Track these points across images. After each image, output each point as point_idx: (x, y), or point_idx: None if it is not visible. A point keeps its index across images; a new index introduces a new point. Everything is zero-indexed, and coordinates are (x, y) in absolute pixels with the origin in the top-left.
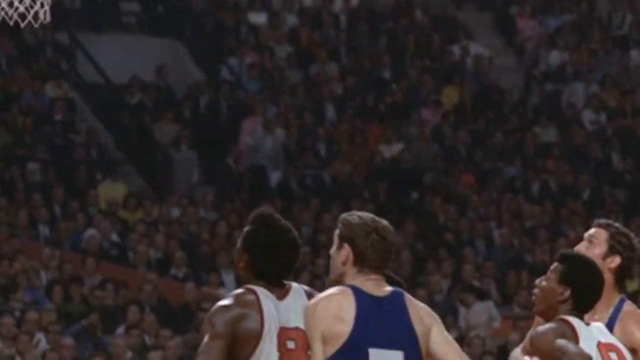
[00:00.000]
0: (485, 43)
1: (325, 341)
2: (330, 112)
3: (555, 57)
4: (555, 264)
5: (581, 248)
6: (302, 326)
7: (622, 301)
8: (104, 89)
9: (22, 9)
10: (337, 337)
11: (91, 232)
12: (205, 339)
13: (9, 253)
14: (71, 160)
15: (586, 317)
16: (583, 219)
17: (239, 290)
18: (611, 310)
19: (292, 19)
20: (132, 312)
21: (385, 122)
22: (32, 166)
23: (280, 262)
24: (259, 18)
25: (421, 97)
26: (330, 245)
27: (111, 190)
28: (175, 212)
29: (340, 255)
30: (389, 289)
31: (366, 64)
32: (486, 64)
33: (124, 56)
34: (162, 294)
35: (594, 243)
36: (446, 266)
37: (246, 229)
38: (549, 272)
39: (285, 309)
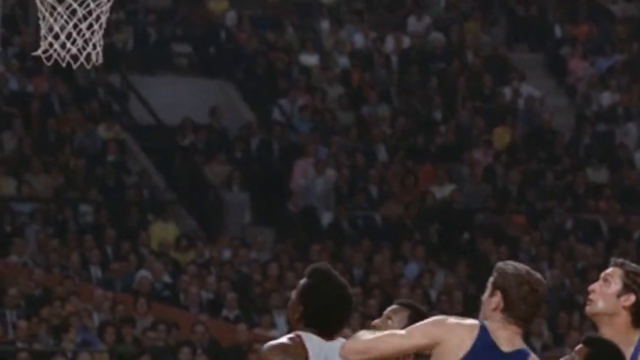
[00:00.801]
0: (536, 84)
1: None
2: (382, 153)
3: (606, 98)
4: (580, 346)
5: (596, 287)
6: None
7: None
8: (155, 130)
9: (74, 50)
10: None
11: (143, 273)
12: None
13: (62, 294)
14: (123, 202)
15: None
16: (635, 260)
17: (289, 335)
18: (632, 349)
19: (343, 60)
20: (184, 353)
21: (436, 163)
22: (84, 208)
23: (336, 317)
24: (310, 59)
25: (472, 137)
26: (382, 286)
27: (163, 231)
28: (227, 253)
29: (491, 302)
30: (519, 346)
31: (417, 105)
32: (537, 105)
33: (176, 98)
34: (214, 335)
35: (608, 281)
36: None
37: (303, 282)
38: (573, 353)
39: (331, 349)
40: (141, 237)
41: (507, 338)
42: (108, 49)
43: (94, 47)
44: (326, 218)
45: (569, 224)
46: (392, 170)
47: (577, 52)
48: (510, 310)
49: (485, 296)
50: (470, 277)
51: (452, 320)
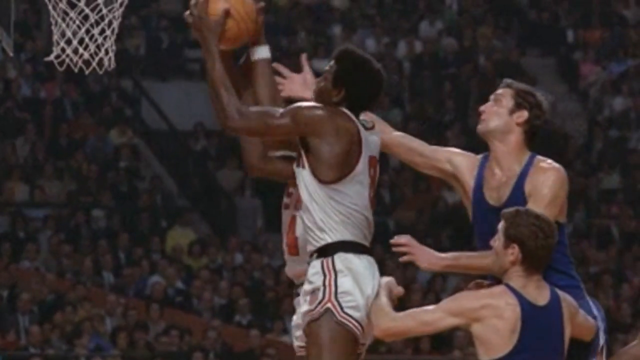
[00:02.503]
0: (548, 89)
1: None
2: (394, 158)
3: (619, 103)
4: (331, 63)
5: (487, 106)
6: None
7: (533, 157)
8: (168, 135)
9: (86, 55)
10: (496, 347)
11: (156, 278)
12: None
13: (74, 300)
14: (136, 207)
15: (497, 171)
16: None
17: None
18: (522, 166)
19: None
20: (197, 358)
21: None
22: (96, 213)
23: (375, 93)
24: (322, 64)
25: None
26: None
27: (181, 237)
28: (239, 259)
29: (508, 254)
30: (548, 293)
31: (429, 110)
32: (550, 110)
33: (188, 103)
34: (227, 340)
35: (499, 100)
36: None
37: (336, 66)
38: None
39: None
40: (154, 243)
41: (537, 291)
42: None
43: (107, 52)
44: None
45: (581, 229)
46: (404, 176)
47: (589, 57)
48: (530, 261)
49: (499, 246)
50: None
51: (483, 292)
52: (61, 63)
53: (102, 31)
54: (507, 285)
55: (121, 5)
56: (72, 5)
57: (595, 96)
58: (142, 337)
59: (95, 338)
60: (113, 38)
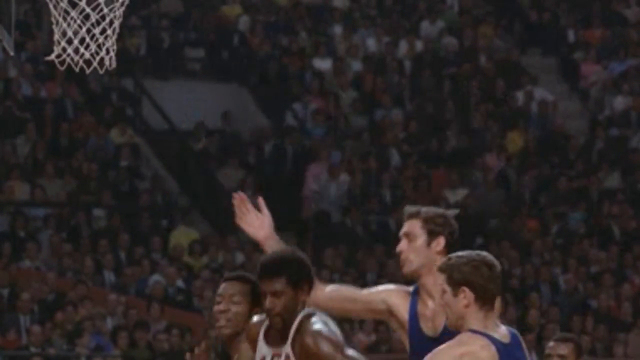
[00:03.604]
0: (549, 88)
1: None
2: (395, 157)
3: (620, 102)
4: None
5: (403, 247)
6: None
7: None
8: (168, 135)
9: (87, 55)
10: None
11: (156, 277)
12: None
13: (75, 299)
14: (136, 206)
15: (430, 302)
16: None
17: None
18: None
19: (356, 65)
20: None
21: (449, 168)
22: (97, 212)
23: None
24: (323, 64)
25: (485, 142)
26: None
27: (185, 236)
28: (240, 258)
29: (460, 300)
30: (505, 330)
31: (430, 109)
32: (550, 109)
33: (189, 102)
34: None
35: (411, 236)
36: (511, 311)
37: None
38: None
39: None
40: (155, 242)
41: (497, 329)
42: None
43: (107, 51)
44: (339, 222)
45: (582, 229)
46: (405, 175)
47: (590, 57)
48: (483, 298)
49: (448, 298)
50: None
51: (454, 344)
52: (62, 62)
53: (103, 31)
54: (471, 330)
55: (122, 4)
56: (73, 5)
57: (596, 96)
58: (142, 336)
59: (96, 337)
60: (114, 37)
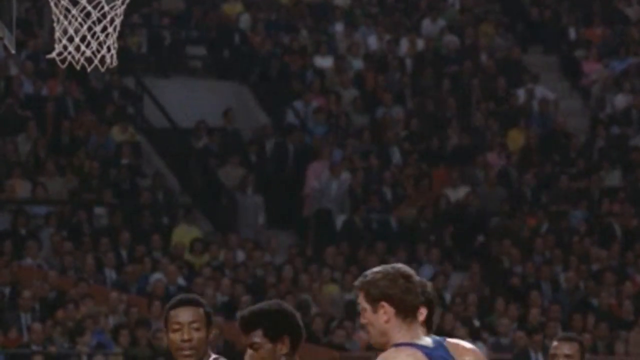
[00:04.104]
0: (550, 86)
1: None
2: (396, 155)
3: (620, 100)
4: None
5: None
6: None
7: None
8: (170, 133)
9: (88, 53)
10: None
11: (157, 276)
12: None
13: (76, 297)
14: (137, 204)
15: None
16: None
17: None
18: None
19: (357, 63)
20: None
21: (450, 166)
22: (98, 210)
23: None
24: (324, 62)
25: (486, 140)
26: None
27: (187, 234)
28: (241, 256)
29: (380, 316)
30: (429, 339)
31: (431, 108)
32: (552, 107)
33: (190, 100)
34: (229, 337)
35: (362, 309)
36: (512, 309)
37: None
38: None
39: None
40: (156, 240)
41: (421, 337)
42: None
43: (108, 49)
44: (340, 220)
45: (583, 227)
46: (407, 173)
47: (591, 55)
48: (403, 311)
49: (369, 316)
50: (485, 279)
51: None
52: (63, 60)
53: (104, 29)
54: (395, 345)
55: (123, 2)
56: (74, 3)
57: (597, 94)
58: (143, 334)
59: (97, 335)
60: (115, 35)
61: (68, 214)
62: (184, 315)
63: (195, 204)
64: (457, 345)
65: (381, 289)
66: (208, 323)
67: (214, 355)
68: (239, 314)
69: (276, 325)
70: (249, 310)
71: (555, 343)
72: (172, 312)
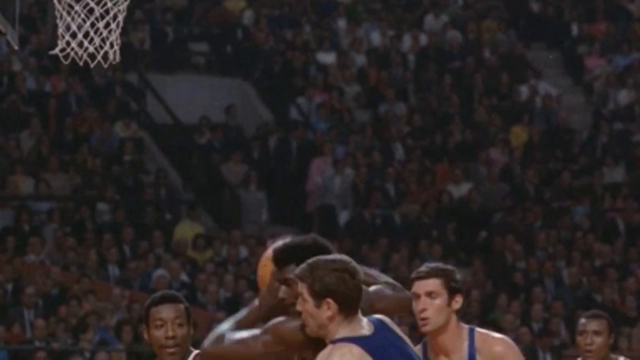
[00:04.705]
0: (553, 82)
1: None
2: (399, 151)
3: (623, 96)
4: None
5: (426, 305)
6: None
7: (471, 332)
8: (173, 129)
9: (91, 49)
10: None
11: (160, 272)
12: None
13: (79, 293)
14: (140, 201)
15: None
16: None
17: None
18: (466, 343)
19: (360, 59)
20: None
21: (453, 162)
22: (101, 206)
23: None
24: (327, 58)
25: (489, 136)
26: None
27: (189, 230)
28: (244, 252)
29: (322, 313)
30: (370, 322)
31: (434, 104)
32: (555, 103)
33: (193, 96)
34: None
35: (434, 294)
36: (515, 306)
37: None
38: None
39: None
40: (158, 236)
41: (360, 325)
42: (125, 47)
43: (111, 45)
44: (344, 217)
45: (586, 223)
46: (409, 169)
47: (594, 51)
48: (348, 307)
49: (309, 308)
50: (488, 275)
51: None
52: (66, 56)
53: (107, 24)
54: (332, 341)
55: None
56: None
57: (600, 89)
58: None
59: (100, 331)
60: (118, 31)
61: (71, 210)
62: (167, 311)
63: (198, 200)
64: (487, 335)
65: (328, 286)
66: (189, 319)
67: (196, 351)
68: (273, 248)
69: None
70: (285, 244)
71: (583, 320)
72: (154, 309)
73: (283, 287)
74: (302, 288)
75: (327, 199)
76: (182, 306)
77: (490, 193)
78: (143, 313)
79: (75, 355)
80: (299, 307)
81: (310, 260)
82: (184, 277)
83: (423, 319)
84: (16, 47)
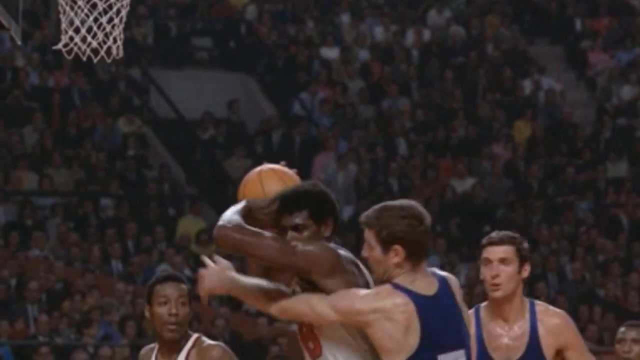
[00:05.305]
0: (556, 77)
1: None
2: (402, 147)
3: (627, 91)
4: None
5: (499, 271)
6: None
7: (532, 305)
8: (176, 124)
9: (94, 44)
10: (394, 351)
11: (164, 267)
12: None
13: (83, 288)
14: (144, 196)
15: (503, 327)
16: None
17: None
18: (528, 316)
19: (363, 54)
20: None
21: (457, 157)
22: (105, 202)
23: None
24: (331, 53)
25: (493, 131)
26: None
27: (192, 225)
28: None
29: (391, 258)
30: (435, 280)
31: (437, 99)
32: (558, 98)
33: (196, 91)
34: (235, 328)
35: (507, 261)
36: None
37: None
38: None
39: None
40: (162, 231)
41: (426, 281)
42: (129, 42)
43: (115, 41)
44: (347, 212)
45: (589, 218)
46: (413, 164)
47: (597, 46)
48: (416, 255)
49: (376, 255)
50: None
51: (368, 294)
52: (69, 52)
53: (111, 20)
54: (394, 284)
55: None
56: None
57: (603, 85)
58: (150, 325)
59: (103, 326)
60: (121, 26)
61: (74, 205)
62: (171, 290)
63: (202, 195)
64: (547, 308)
65: (396, 233)
66: (191, 301)
67: (195, 334)
68: (279, 194)
69: (322, 207)
70: (292, 191)
71: (622, 329)
72: (159, 287)
73: (291, 233)
74: (369, 235)
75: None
76: (185, 287)
77: (494, 188)
78: (147, 291)
79: (78, 351)
80: (364, 254)
81: (377, 207)
82: (188, 272)
83: (495, 285)
84: (19, 42)
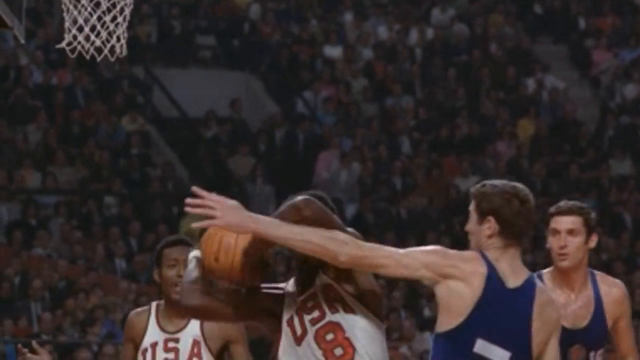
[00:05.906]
0: (560, 75)
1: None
2: (406, 145)
3: (630, 90)
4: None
5: (567, 241)
6: None
7: (593, 274)
8: (179, 122)
9: (98, 42)
10: (455, 312)
11: None
12: None
13: (86, 287)
14: (147, 194)
15: (569, 295)
16: None
17: None
18: (591, 284)
19: (367, 53)
20: None
21: (460, 155)
22: (108, 200)
23: None
24: (334, 51)
25: (496, 130)
26: (406, 278)
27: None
28: None
29: (484, 229)
30: (524, 277)
31: (441, 97)
32: (561, 97)
33: (200, 90)
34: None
35: (575, 231)
36: None
37: None
38: None
39: None
40: (165, 230)
41: (511, 269)
42: (132, 41)
43: (118, 39)
44: (350, 210)
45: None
46: (416, 163)
47: (601, 44)
48: (508, 231)
49: (473, 225)
50: None
51: (454, 253)
52: (73, 50)
53: (114, 18)
54: (481, 253)
55: None
56: None
57: (607, 83)
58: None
59: (107, 325)
60: (125, 25)
61: (78, 204)
62: (180, 253)
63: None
64: (606, 277)
65: (493, 205)
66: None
67: None
68: (303, 200)
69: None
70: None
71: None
72: (168, 250)
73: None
74: (472, 205)
75: (334, 193)
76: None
77: None
78: (156, 254)
79: (82, 349)
80: (467, 228)
81: (488, 181)
82: None
83: (562, 255)
84: (23, 41)
